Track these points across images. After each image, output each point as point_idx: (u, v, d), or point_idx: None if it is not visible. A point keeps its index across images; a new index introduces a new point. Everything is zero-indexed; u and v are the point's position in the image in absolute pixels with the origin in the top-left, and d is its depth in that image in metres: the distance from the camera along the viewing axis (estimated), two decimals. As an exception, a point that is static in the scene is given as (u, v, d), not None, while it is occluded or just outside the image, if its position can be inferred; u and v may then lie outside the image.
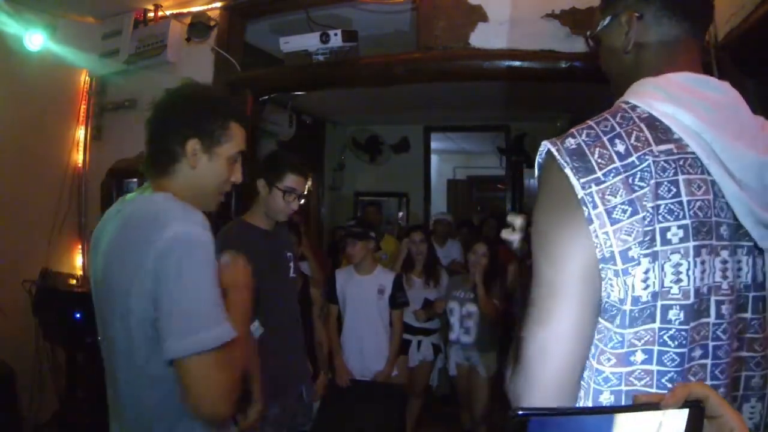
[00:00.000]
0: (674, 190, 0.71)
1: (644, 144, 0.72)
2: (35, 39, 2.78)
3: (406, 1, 2.59)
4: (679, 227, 0.70)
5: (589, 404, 0.74)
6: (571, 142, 0.73)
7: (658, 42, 0.82)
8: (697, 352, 0.73)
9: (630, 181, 0.70)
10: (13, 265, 2.90)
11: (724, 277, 0.74)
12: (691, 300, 0.71)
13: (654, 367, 0.72)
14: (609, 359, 0.73)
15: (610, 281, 0.71)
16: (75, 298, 2.82)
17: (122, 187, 3.28)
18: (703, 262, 0.72)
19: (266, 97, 3.05)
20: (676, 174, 0.71)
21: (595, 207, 0.70)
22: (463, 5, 2.42)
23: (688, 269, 0.71)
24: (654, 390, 0.72)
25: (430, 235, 3.63)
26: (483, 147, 7.28)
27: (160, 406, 1.04)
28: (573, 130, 0.76)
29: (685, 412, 0.50)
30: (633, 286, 0.70)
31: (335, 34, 2.43)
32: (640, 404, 0.54)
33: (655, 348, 0.71)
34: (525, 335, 0.73)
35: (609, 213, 0.70)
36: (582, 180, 0.70)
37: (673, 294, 0.71)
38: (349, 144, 6.57)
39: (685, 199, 0.71)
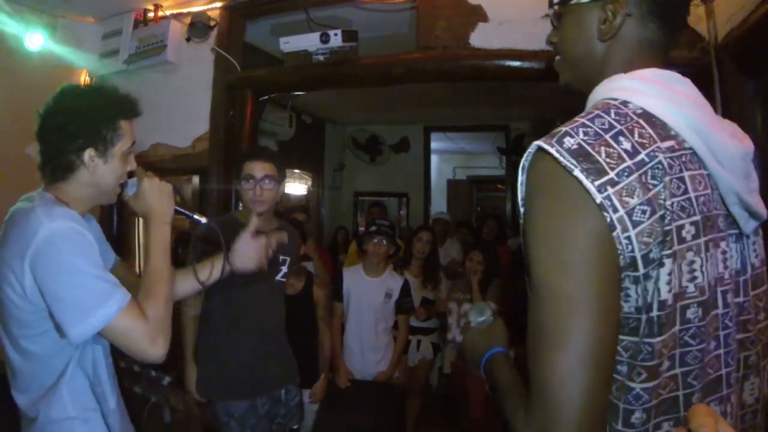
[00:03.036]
0: (683, 186, 0.69)
1: (650, 140, 0.69)
2: (35, 39, 2.78)
3: (406, 1, 2.59)
4: (691, 224, 0.69)
5: (619, 427, 0.70)
6: (570, 141, 0.68)
7: (637, 40, 0.80)
8: (712, 344, 0.73)
9: (643, 179, 0.67)
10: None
11: (725, 267, 0.75)
12: (706, 295, 0.70)
13: (678, 371, 0.70)
14: (640, 374, 0.69)
15: (627, 290, 0.69)
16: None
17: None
18: (711, 256, 0.71)
19: (266, 97, 3.05)
20: (681, 170, 0.70)
21: (615, 211, 0.65)
22: (463, 5, 2.42)
23: (701, 265, 0.70)
24: (680, 392, 0.71)
25: (434, 237, 3.62)
26: (483, 147, 7.28)
27: (35, 377, 1.19)
28: (565, 128, 0.70)
29: None
30: (658, 289, 0.67)
31: (335, 34, 2.43)
32: None
33: (677, 351, 0.70)
34: (540, 364, 0.66)
35: (629, 216, 0.66)
36: (597, 183, 0.65)
37: (690, 293, 0.69)
38: (349, 144, 6.58)
39: (692, 195, 0.70)
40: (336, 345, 2.86)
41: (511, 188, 6.50)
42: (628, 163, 0.67)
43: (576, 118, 0.73)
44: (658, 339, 0.68)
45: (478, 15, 2.41)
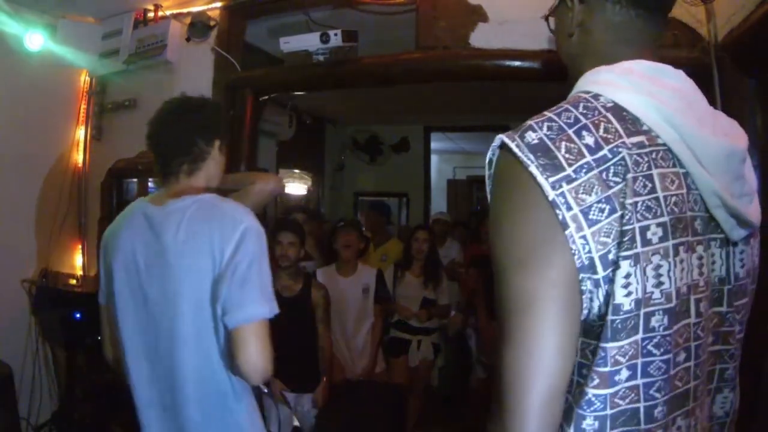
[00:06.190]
0: (650, 185, 0.66)
1: (615, 136, 0.66)
2: (35, 39, 2.78)
3: (406, 2, 2.58)
4: (657, 225, 0.65)
5: None
6: (532, 136, 0.66)
7: (602, 27, 0.78)
8: (682, 356, 0.69)
9: (604, 176, 0.64)
10: (13, 265, 2.89)
11: (701, 274, 0.71)
12: (674, 303, 0.67)
13: (639, 381, 0.66)
14: (593, 379, 0.66)
15: (590, 294, 0.65)
16: (75, 298, 2.81)
17: (122, 187, 3.27)
18: (681, 261, 0.67)
19: (266, 97, 3.04)
20: (650, 168, 0.66)
21: (569, 209, 0.63)
22: (463, 5, 2.42)
23: (668, 270, 0.66)
24: (641, 404, 0.66)
25: (433, 236, 3.60)
26: (483, 147, 7.23)
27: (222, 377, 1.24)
28: (531, 122, 0.69)
29: None
30: (614, 293, 0.64)
31: (335, 34, 2.43)
32: None
33: (639, 361, 0.66)
34: (498, 361, 0.65)
35: (585, 214, 0.63)
36: (551, 179, 0.63)
37: (655, 299, 0.66)
38: (349, 144, 6.57)
39: (661, 194, 0.66)
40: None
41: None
42: (588, 159, 0.64)
43: (544, 112, 0.71)
44: (614, 344, 0.65)
45: (478, 15, 2.41)
